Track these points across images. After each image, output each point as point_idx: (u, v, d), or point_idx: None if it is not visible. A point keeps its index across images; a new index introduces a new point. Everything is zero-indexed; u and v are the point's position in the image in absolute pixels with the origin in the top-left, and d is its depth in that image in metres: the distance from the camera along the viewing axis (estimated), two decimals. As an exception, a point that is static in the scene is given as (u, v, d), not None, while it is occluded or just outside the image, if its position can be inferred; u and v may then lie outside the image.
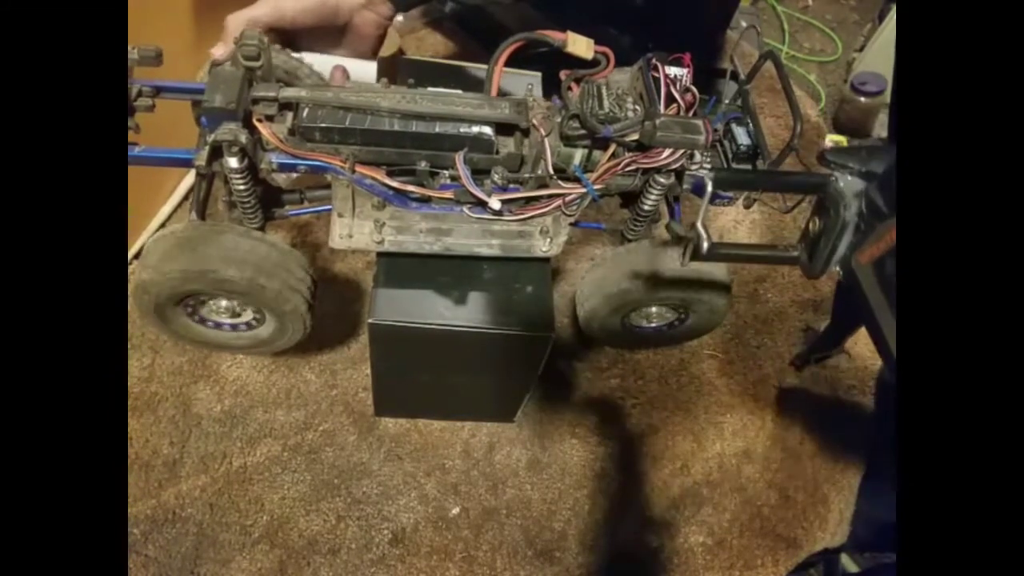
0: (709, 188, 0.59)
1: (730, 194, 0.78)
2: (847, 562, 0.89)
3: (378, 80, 0.72)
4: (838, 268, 0.63)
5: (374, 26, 0.76)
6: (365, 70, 0.74)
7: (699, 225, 0.57)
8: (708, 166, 0.76)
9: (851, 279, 0.62)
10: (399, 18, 1.25)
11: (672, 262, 0.74)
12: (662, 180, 0.69)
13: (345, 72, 0.71)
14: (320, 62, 0.71)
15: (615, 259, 0.76)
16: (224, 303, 0.70)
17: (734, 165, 0.76)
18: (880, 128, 1.29)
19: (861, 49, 1.44)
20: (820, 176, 0.61)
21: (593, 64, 0.68)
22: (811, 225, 0.64)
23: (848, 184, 0.58)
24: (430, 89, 0.67)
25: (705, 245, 0.57)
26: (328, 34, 0.75)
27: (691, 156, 0.69)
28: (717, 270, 0.76)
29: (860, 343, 1.05)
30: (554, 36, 0.67)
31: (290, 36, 0.72)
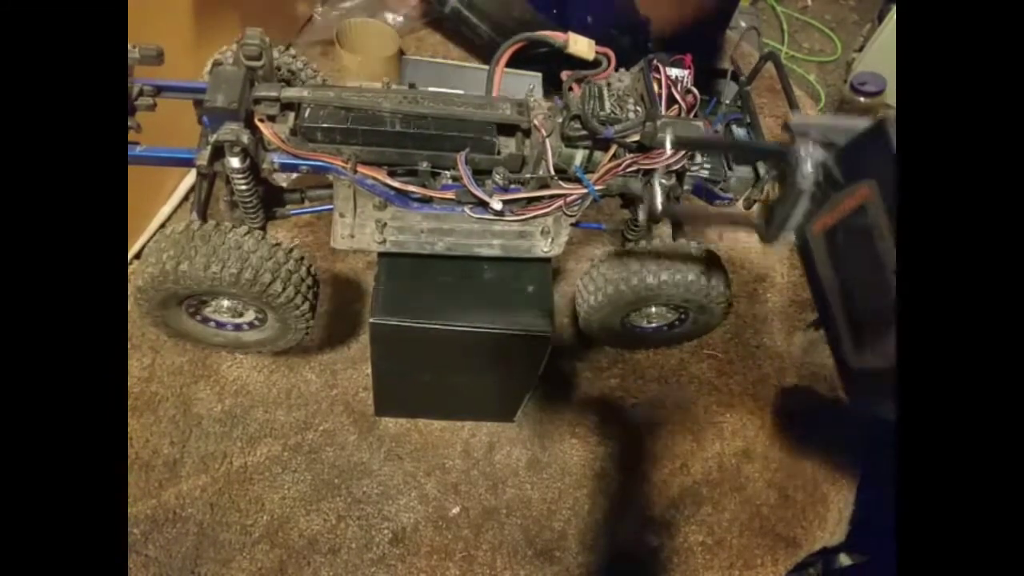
0: (668, 145, 0.60)
1: (730, 195, 0.78)
2: (843, 558, 0.89)
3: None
4: (793, 237, 0.63)
5: None
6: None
7: (656, 182, 0.59)
8: (708, 166, 0.76)
9: (804, 247, 0.63)
10: (399, 18, 1.26)
11: (672, 262, 0.74)
12: (663, 181, 0.69)
13: None
14: None
15: (615, 259, 0.76)
16: (226, 303, 0.70)
17: (734, 165, 0.76)
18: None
19: (860, 49, 1.44)
20: (781, 145, 0.61)
21: (594, 65, 0.68)
22: (770, 192, 0.64)
23: (809, 153, 0.58)
24: (431, 89, 0.67)
25: (659, 203, 0.59)
26: None
27: (692, 157, 0.69)
28: (717, 270, 0.76)
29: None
30: (555, 37, 0.67)
31: None
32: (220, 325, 0.74)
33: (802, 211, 0.61)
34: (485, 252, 0.71)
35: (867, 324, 0.57)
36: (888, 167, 0.51)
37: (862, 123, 0.55)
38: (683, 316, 0.83)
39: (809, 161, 0.58)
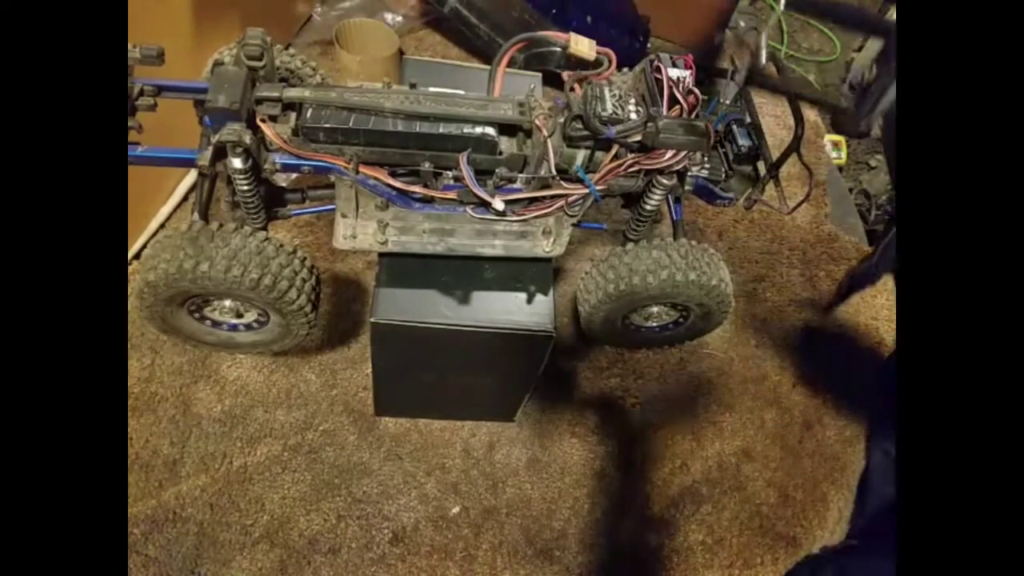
0: (781, 5, 0.56)
1: (731, 195, 0.78)
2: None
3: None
4: (880, 123, 0.60)
5: None
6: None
7: (762, 37, 0.56)
8: (708, 166, 0.76)
9: (888, 133, 0.59)
10: (399, 18, 1.25)
11: (673, 262, 0.74)
12: (664, 181, 0.69)
13: None
14: None
15: (616, 259, 0.77)
16: (228, 303, 0.70)
17: (735, 165, 0.76)
18: (879, 128, 1.29)
19: (859, 49, 1.44)
20: (885, 20, 0.57)
21: (595, 65, 0.68)
22: (866, 74, 0.60)
23: None
24: (432, 90, 0.67)
25: (763, 57, 0.55)
26: None
27: (692, 157, 0.69)
28: (718, 270, 0.77)
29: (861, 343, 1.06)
30: (556, 37, 0.67)
31: None
32: (216, 324, 0.73)
33: (894, 94, 0.59)
34: (487, 252, 0.71)
35: None
36: None
37: None
38: (684, 316, 0.83)
39: None
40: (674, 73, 0.66)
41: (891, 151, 0.58)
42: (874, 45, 1.31)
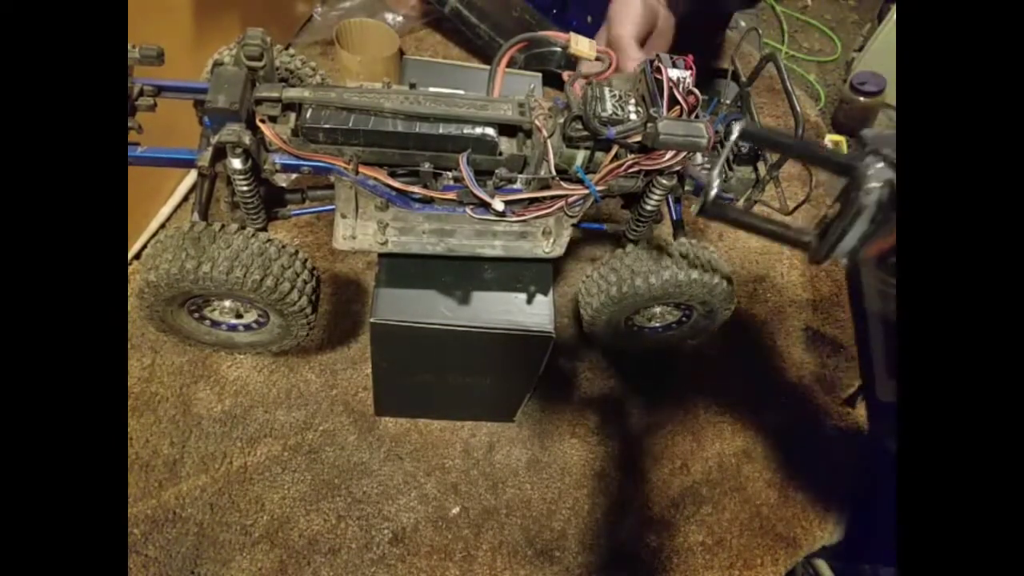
0: (735, 134, 0.57)
1: (731, 195, 0.78)
2: (824, 570, 0.89)
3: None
4: (845, 260, 0.60)
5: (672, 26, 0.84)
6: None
7: (713, 173, 0.55)
8: (708, 167, 0.76)
9: (854, 273, 0.58)
10: (399, 18, 1.25)
11: (674, 262, 0.74)
12: (664, 182, 0.69)
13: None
14: None
15: (619, 260, 0.77)
16: (228, 303, 0.70)
17: (735, 166, 0.76)
18: (879, 128, 1.29)
19: (860, 49, 1.44)
20: (852, 157, 0.57)
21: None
22: (830, 209, 0.60)
23: (876, 171, 0.55)
24: (432, 90, 0.67)
25: (712, 194, 0.55)
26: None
27: (692, 157, 0.69)
28: (720, 270, 0.77)
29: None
30: (557, 37, 0.67)
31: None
32: (216, 324, 0.73)
33: (859, 232, 0.57)
34: (487, 253, 0.71)
35: None
36: None
37: None
38: (686, 316, 0.83)
39: (875, 178, 0.55)
40: (674, 74, 0.66)
41: (856, 295, 0.57)
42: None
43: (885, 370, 0.56)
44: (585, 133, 0.65)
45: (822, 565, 0.88)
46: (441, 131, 0.64)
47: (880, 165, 0.54)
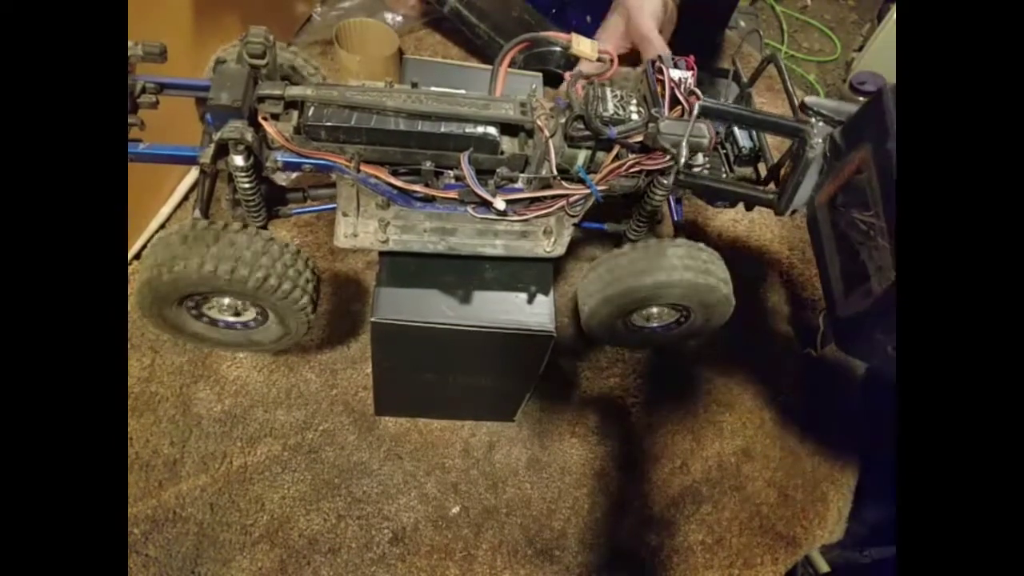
0: (695, 112, 0.64)
1: (725, 203, 0.79)
2: (818, 561, 0.89)
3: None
4: (803, 208, 0.73)
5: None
6: None
7: (683, 143, 0.62)
8: (709, 167, 0.76)
9: (812, 219, 0.72)
10: (399, 18, 1.25)
11: (674, 262, 0.74)
12: (665, 181, 0.69)
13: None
14: None
15: (617, 259, 0.77)
16: (227, 301, 0.70)
17: (736, 167, 0.76)
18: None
19: (860, 49, 1.44)
20: (799, 120, 0.69)
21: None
22: (783, 169, 0.74)
23: (819, 129, 0.68)
24: (434, 89, 0.67)
25: (682, 160, 0.62)
26: None
27: (693, 157, 0.69)
28: (719, 269, 0.77)
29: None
30: (558, 37, 0.67)
31: None
32: (220, 324, 0.73)
33: (812, 182, 0.70)
34: (488, 252, 0.71)
35: (856, 274, 0.65)
36: (883, 130, 0.59)
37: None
38: (685, 316, 0.83)
39: (819, 134, 0.68)
40: (675, 74, 0.66)
41: (816, 237, 0.71)
42: (876, 39, 1.32)
43: (840, 289, 0.67)
44: (587, 133, 0.65)
45: (814, 554, 0.88)
46: (443, 130, 0.64)
47: (821, 124, 0.69)
